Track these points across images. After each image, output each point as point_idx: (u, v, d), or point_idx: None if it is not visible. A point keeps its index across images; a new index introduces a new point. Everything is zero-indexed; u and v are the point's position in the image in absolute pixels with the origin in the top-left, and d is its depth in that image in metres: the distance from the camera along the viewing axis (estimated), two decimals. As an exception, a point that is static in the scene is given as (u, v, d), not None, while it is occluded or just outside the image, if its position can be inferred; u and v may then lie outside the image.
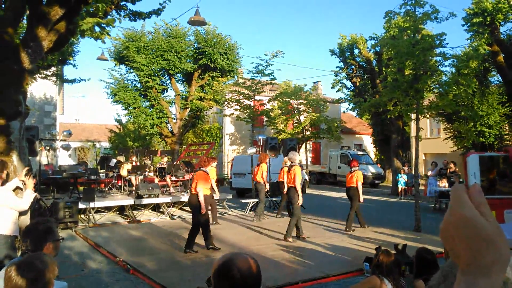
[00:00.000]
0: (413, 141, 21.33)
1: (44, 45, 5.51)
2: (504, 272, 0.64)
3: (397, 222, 11.17)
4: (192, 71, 21.95)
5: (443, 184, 14.88)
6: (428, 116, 13.17)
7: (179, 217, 12.08)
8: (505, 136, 18.90)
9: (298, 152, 24.47)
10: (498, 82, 19.45)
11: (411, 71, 10.93)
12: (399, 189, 18.63)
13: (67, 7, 5.54)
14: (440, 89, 11.30)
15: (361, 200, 10.03)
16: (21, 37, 6.31)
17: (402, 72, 11.78)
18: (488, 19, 15.47)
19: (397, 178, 19.03)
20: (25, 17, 6.13)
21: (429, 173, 16.00)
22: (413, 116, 11.05)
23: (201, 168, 8.00)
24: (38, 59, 5.69)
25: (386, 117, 17.81)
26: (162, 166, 14.90)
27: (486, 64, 18.14)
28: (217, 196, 10.89)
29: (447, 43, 14.76)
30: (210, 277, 1.66)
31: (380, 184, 24.90)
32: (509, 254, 0.64)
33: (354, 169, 10.16)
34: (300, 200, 8.76)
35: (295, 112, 26.19)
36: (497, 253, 0.62)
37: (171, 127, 22.85)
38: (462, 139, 18.67)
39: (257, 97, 24.18)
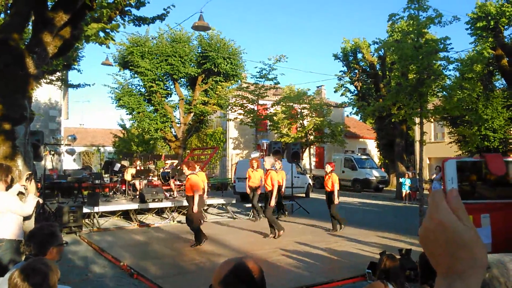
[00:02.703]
0: (417, 145, 21.23)
1: (49, 50, 5.54)
2: (482, 275, 0.64)
3: (402, 227, 11.10)
4: (195, 76, 22.01)
5: (448, 188, 14.76)
6: (432, 120, 13.11)
7: (180, 221, 12.05)
8: (510, 140, 18.76)
9: (302, 157, 24.43)
10: (502, 86, 19.35)
11: (415, 75, 10.91)
12: (404, 194, 18.54)
13: (72, 12, 5.58)
14: (444, 93, 11.27)
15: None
16: (26, 43, 6.36)
17: (406, 76, 11.75)
18: (492, 23, 15.44)
19: (402, 182, 18.94)
20: (30, 23, 6.18)
21: (434, 177, 15.92)
22: (417, 120, 11.02)
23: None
24: (43, 64, 5.73)
25: (390, 121, 17.77)
26: (166, 170, 14.92)
27: (490, 67, 18.07)
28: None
29: (452, 48, 14.74)
30: (211, 285, 1.61)
31: (384, 188, 24.78)
32: (486, 258, 0.65)
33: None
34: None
35: (299, 116, 26.17)
36: (473, 257, 0.63)
37: (175, 132, 22.89)
38: (466, 143, 18.56)
39: (260, 102, 24.21)
